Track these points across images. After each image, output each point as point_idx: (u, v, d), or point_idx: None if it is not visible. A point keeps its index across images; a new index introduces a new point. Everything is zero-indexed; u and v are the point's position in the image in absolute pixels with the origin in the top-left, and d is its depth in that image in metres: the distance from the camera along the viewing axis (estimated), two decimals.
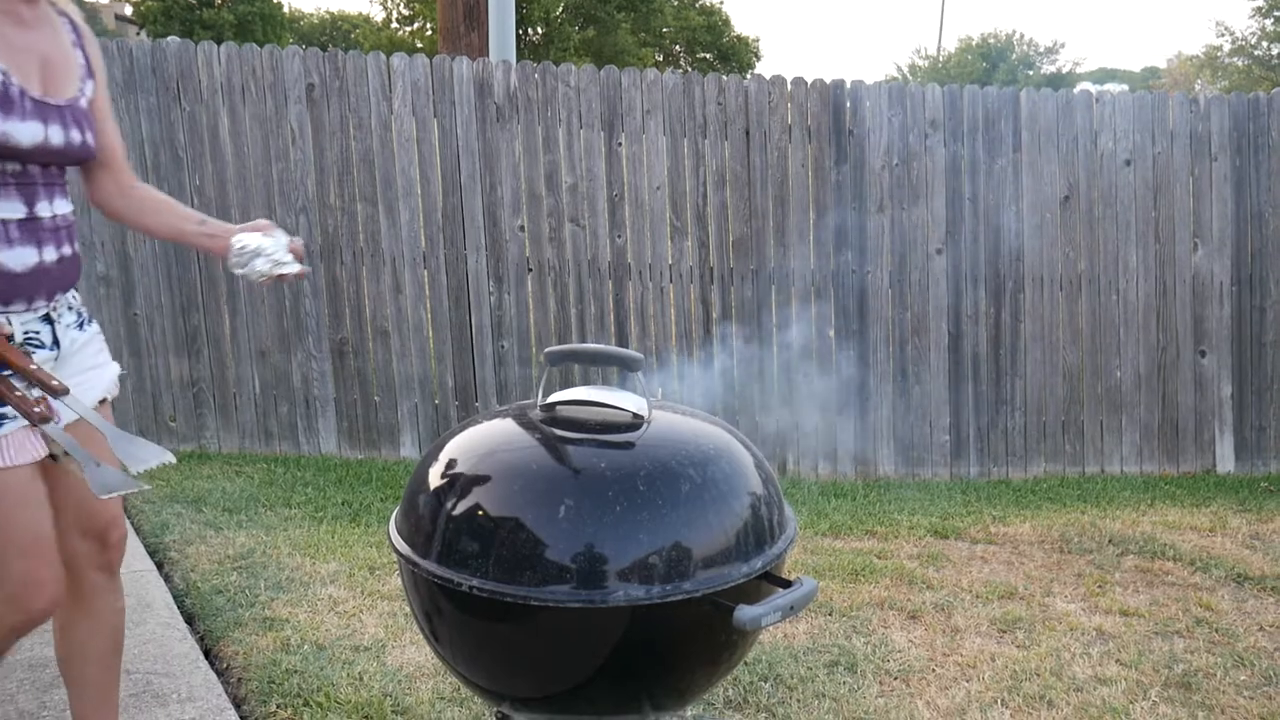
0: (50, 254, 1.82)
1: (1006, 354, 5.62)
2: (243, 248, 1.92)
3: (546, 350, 1.82)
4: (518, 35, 6.23)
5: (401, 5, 34.06)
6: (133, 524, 3.77)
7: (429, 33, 31.49)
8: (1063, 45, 40.50)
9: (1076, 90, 6.07)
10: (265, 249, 1.92)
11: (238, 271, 1.94)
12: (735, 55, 39.15)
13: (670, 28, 36.82)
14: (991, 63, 38.17)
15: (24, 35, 1.77)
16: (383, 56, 5.20)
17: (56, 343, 1.85)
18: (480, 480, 1.63)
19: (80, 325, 1.91)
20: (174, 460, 1.83)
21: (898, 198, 5.46)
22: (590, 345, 1.84)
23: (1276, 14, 25.92)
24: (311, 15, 43.49)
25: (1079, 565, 4.07)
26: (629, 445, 1.66)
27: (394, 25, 35.04)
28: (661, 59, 38.68)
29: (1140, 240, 5.64)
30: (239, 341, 5.19)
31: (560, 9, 32.28)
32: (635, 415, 1.73)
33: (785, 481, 5.35)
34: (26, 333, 1.79)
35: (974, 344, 5.59)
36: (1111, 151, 5.59)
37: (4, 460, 1.74)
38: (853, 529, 4.44)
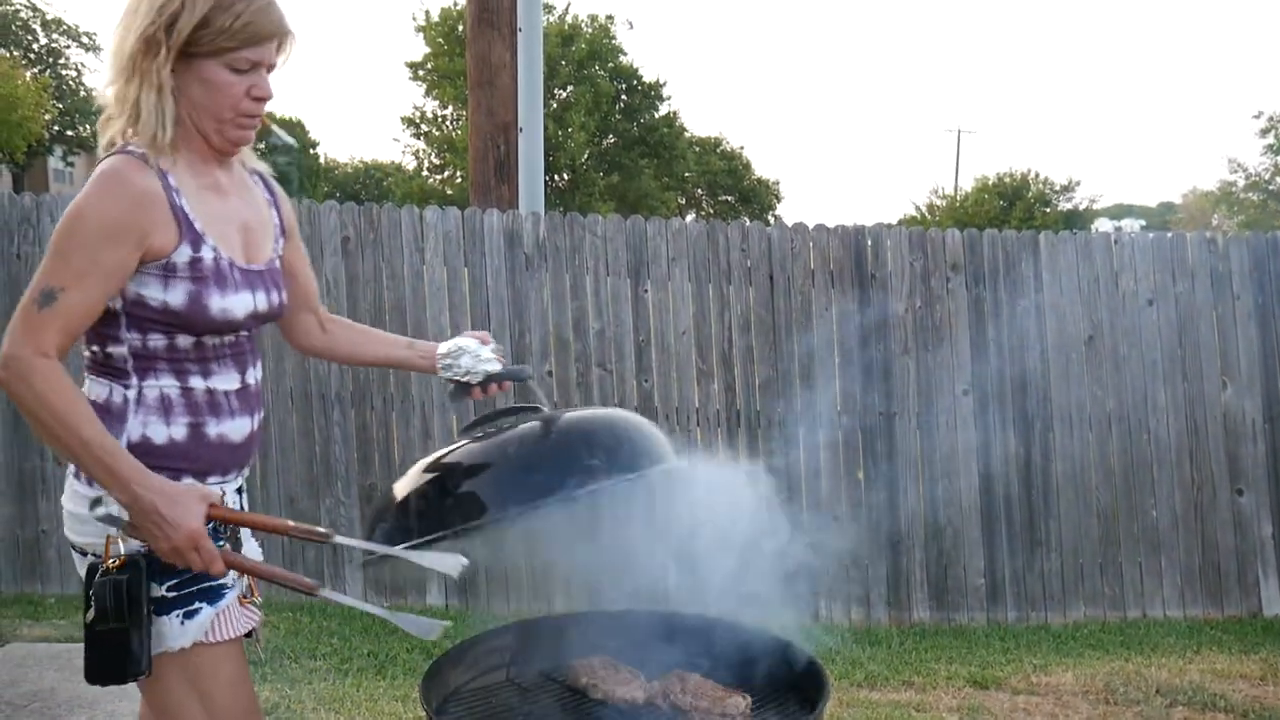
0: (258, 420, 1.85)
1: (1039, 494, 5.55)
2: (449, 350, 1.98)
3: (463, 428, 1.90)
4: (545, 181, 6.44)
5: (433, 155, 35.37)
6: None
7: (459, 180, 32.58)
8: (1078, 183, 41.31)
9: (1095, 231, 6.17)
10: (469, 348, 1.97)
11: (444, 375, 1.99)
12: (756, 197, 40.07)
13: (692, 171, 37.94)
14: (1008, 201, 38.84)
15: (225, 204, 1.79)
16: (416, 209, 5.38)
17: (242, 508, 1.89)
18: None
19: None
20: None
21: (922, 340, 5.50)
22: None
23: None
24: (346, 165, 45.16)
25: (1127, 717, 3.92)
26: None
27: (425, 174, 36.32)
28: (684, 202, 39.67)
29: (1168, 379, 5.62)
30: (269, 487, 5.21)
31: (586, 156, 33.37)
32: None
33: (818, 628, 5.23)
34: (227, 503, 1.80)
35: (1005, 485, 5.53)
36: (1133, 291, 5.63)
37: (223, 634, 1.72)
38: (889, 679, 4.32)
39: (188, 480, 1.70)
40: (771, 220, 5.98)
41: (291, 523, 1.68)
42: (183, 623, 1.68)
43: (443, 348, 2.00)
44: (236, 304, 1.73)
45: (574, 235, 5.39)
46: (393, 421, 5.30)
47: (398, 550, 1.69)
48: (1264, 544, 5.63)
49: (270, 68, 1.73)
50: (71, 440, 1.54)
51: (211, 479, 1.75)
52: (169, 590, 1.68)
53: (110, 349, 1.70)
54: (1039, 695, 4.18)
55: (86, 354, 1.74)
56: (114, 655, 1.61)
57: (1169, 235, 5.91)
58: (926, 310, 5.51)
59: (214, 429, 1.74)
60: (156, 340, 1.69)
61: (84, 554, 1.71)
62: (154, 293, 1.66)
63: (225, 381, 1.76)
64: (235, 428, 1.77)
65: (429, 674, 1.90)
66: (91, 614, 1.60)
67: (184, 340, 1.70)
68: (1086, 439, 5.59)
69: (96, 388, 1.73)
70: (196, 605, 1.70)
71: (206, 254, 1.70)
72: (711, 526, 1.92)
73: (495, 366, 1.97)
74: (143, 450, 1.67)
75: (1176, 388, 5.63)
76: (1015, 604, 5.50)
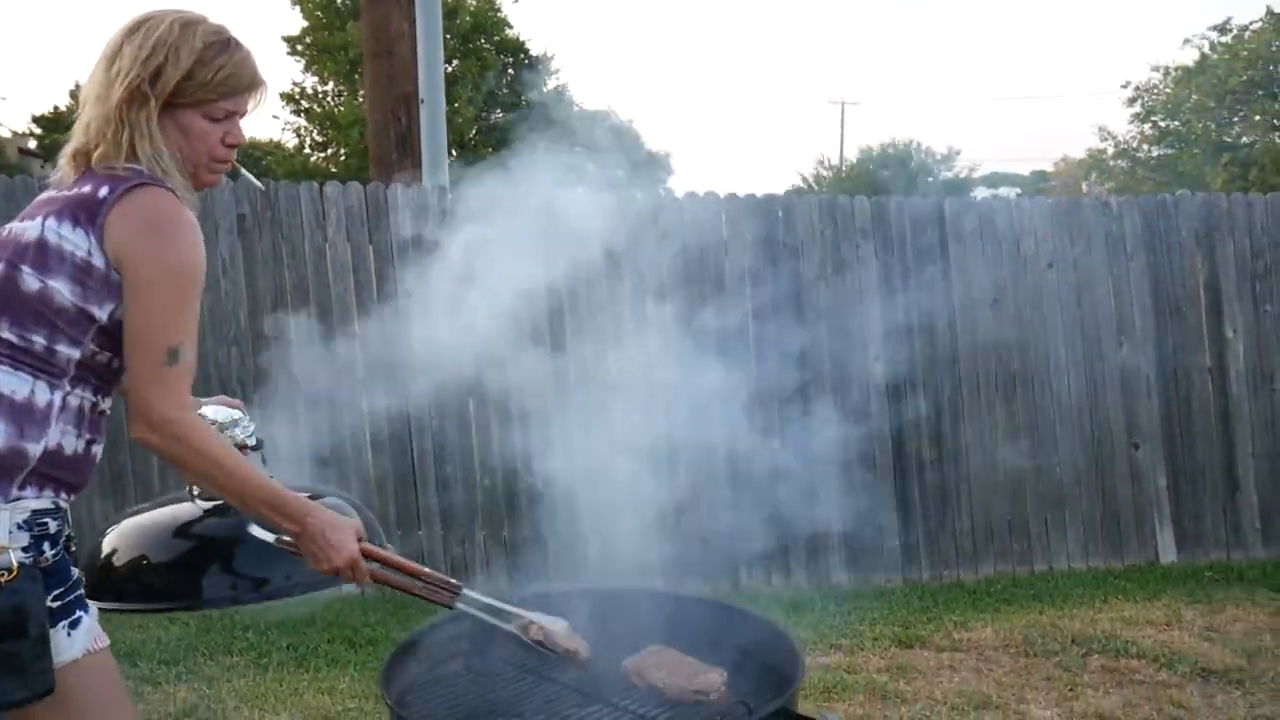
0: None
1: (949, 456, 5.66)
2: (215, 421, 1.96)
3: None
4: None
5: (315, 132, 34.28)
6: None
7: (343, 158, 31.66)
8: (958, 152, 42.30)
9: (991, 196, 6.30)
10: (242, 421, 2.01)
11: None
12: (649, 171, 39.93)
13: (581, 147, 37.64)
14: (892, 171, 39.69)
15: None
16: (315, 185, 5.17)
17: None
18: None
19: None
20: None
21: (834, 308, 5.54)
22: None
23: (1153, 119, 27.54)
24: None
25: (1047, 668, 4.04)
26: None
27: (306, 152, 35.16)
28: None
29: (1068, 339, 5.80)
30: (167, 479, 4.96)
31: (474, 131, 32.83)
32: None
33: (741, 597, 5.24)
34: None
35: (917, 448, 5.63)
36: (1034, 254, 5.78)
37: (103, 639, 1.72)
38: (817, 643, 4.36)
39: (64, 495, 1.69)
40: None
41: (427, 569, 1.87)
42: (69, 633, 1.66)
43: (208, 412, 1.99)
44: None
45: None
46: (299, 407, 5.10)
47: (525, 612, 1.89)
48: (1159, 495, 5.87)
49: (243, 115, 1.77)
50: (236, 487, 1.65)
51: (71, 495, 1.72)
52: (53, 601, 1.64)
53: (60, 347, 1.63)
54: (962, 651, 4.27)
55: (15, 339, 1.60)
56: (17, 674, 1.54)
57: (1065, 200, 6.08)
58: (838, 278, 5.55)
59: (96, 448, 1.74)
60: (102, 356, 1.67)
61: None
62: None
63: (108, 404, 1.77)
64: (101, 449, 1.76)
65: (388, 666, 1.82)
66: None
67: (115, 363, 1.69)
68: (993, 400, 5.73)
69: (13, 382, 1.60)
70: (77, 614, 1.68)
71: None
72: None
73: (253, 441, 2.06)
74: (51, 460, 1.63)
75: (1076, 347, 5.81)
76: (930, 564, 5.61)
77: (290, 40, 32.36)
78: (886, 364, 5.59)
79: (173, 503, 2.01)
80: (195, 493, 1.97)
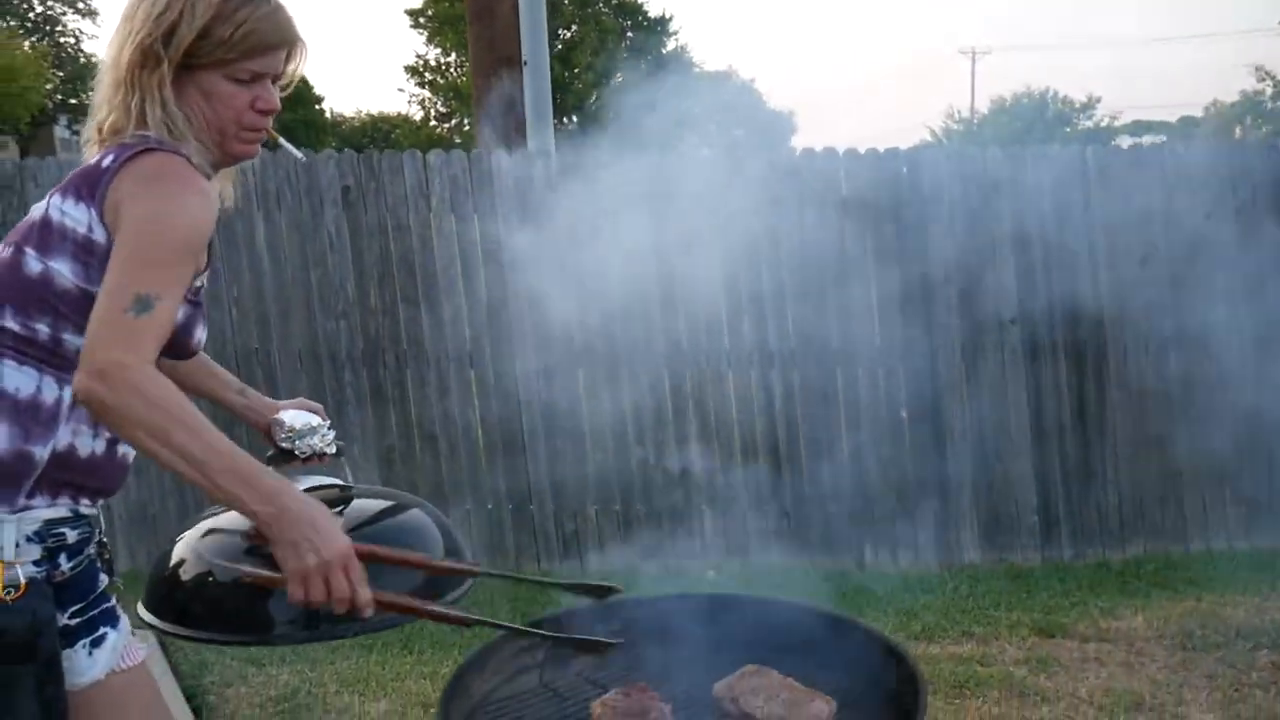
0: None
1: (1094, 425, 5.23)
2: (297, 426, 1.81)
3: None
4: (554, 125, 6.07)
5: (439, 104, 34.81)
6: (170, 664, 3.50)
7: (467, 128, 32.06)
8: (1099, 99, 40.04)
9: (1145, 144, 5.77)
10: (318, 428, 1.84)
11: (282, 445, 1.83)
12: (773, 130, 39.37)
13: (701, 109, 37.18)
14: (1027, 122, 37.86)
15: None
16: (419, 153, 5.05)
17: None
18: None
19: None
20: None
21: (964, 267, 5.15)
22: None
23: None
24: (353, 118, 44.51)
25: (1208, 664, 3.65)
26: None
27: (432, 123, 35.75)
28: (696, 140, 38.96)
29: (1227, 298, 5.26)
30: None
31: (595, 98, 32.75)
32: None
33: (864, 575, 4.96)
34: None
35: (1057, 416, 5.22)
36: (1189, 207, 5.25)
37: (134, 657, 1.61)
38: (948, 630, 4.06)
39: (84, 501, 1.53)
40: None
41: (434, 560, 1.51)
42: (90, 652, 1.53)
43: (286, 418, 1.83)
44: (204, 337, 1.65)
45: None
46: (407, 379, 5.03)
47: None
48: None
49: (277, 78, 1.58)
50: (198, 452, 1.30)
51: (98, 501, 1.57)
52: (72, 618, 1.51)
53: (66, 336, 1.47)
54: (1110, 642, 3.90)
55: (19, 329, 1.46)
56: (22, 700, 1.39)
57: (1226, 145, 5.51)
58: (969, 236, 5.15)
59: (123, 448, 1.56)
60: None
61: None
62: None
63: None
64: (131, 449, 1.57)
65: (450, 685, 1.63)
66: None
67: None
68: (1144, 364, 5.25)
69: (18, 377, 1.46)
70: (101, 631, 1.55)
71: (205, 280, 1.63)
72: None
73: (333, 449, 1.87)
74: (62, 463, 1.47)
75: (1239, 307, 5.27)
76: (1071, 541, 5.21)
77: (412, 14, 32.87)
78: (1024, 330, 5.18)
79: None
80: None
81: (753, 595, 1.89)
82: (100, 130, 1.53)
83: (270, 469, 1.38)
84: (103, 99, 1.53)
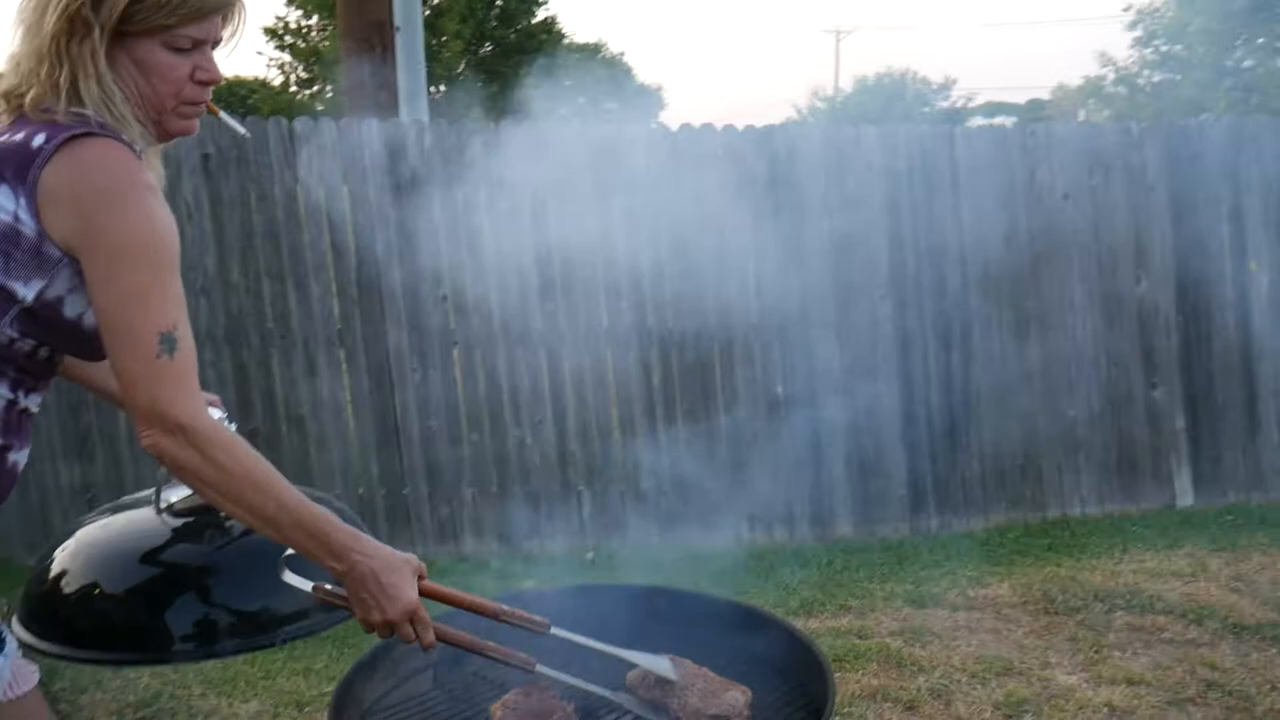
0: None
1: (959, 398, 5.40)
2: None
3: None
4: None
5: (300, 69, 33.52)
6: None
7: (329, 95, 30.97)
8: (954, 81, 41.48)
9: (1006, 125, 5.96)
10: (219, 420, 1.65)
11: None
12: (640, 105, 39.37)
13: (572, 81, 36.88)
14: (888, 101, 38.90)
15: None
16: (284, 121, 4.81)
17: None
18: None
19: None
20: None
21: (837, 244, 5.22)
22: None
23: (1155, 44, 26.88)
24: None
25: (1070, 628, 3.81)
26: None
27: (293, 89, 34.38)
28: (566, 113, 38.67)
29: (1083, 276, 5.49)
30: (138, 449, 4.69)
31: (462, 66, 32.10)
32: None
33: (741, 552, 5.01)
34: None
35: (924, 391, 5.37)
36: (1049, 186, 5.45)
37: (25, 683, 1.48)
38: (825, 604, 4.13)
39: None
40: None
41: (506, 607, 1.53)
42: None
43: None
44: None
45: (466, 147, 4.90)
46: (273, 360, 4.81)
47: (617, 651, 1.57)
48: (1177, 436, 5.62)
49: (216, 44, 1.44)
50: (270, 511, 1.33)
51: None
52: None
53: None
54: (978, 610, 4.04)
55: None
56: None
57: (1085, 127, 5.73)
58: (843, 213, 5.22)
59: (14, 456, 1.43)
60: (23, 344, 1.38)
61: None
62: (75, 307, 1.36)
63: (33, 403, 1.44)
64: (24, 456, 1.45)
65: (339, 691, 1.54)
66: None
67: (41, 353, 1.41)
68: (1005, 341, 5.45)
69: None
70: None
71: None
72: None
73: None
74: None
75: (1093, 284, 5.51)
76: (938, 511, 5.38)
77: None
78: (893, 304, 5.30)
79: (145, 504, 1.64)
80: (161, 505, 1.61)
81: (664, 587, 1.86)
82: (20, 100, 1.35)
83: (339, 520, 1.40)
84: (19, 69, 1.35)
